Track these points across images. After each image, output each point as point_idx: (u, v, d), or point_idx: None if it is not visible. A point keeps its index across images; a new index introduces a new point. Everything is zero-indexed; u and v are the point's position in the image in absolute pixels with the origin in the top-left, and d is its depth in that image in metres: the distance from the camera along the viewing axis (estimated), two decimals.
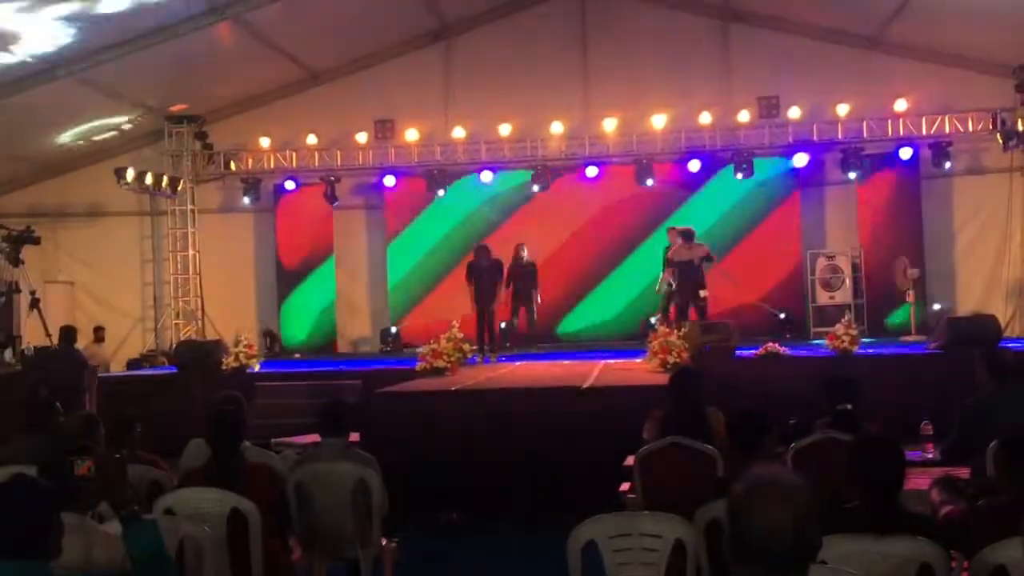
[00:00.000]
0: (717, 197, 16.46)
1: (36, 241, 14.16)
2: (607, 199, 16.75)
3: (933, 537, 3.69)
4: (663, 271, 14.48)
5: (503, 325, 15.32)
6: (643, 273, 16.07)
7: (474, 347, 13.02)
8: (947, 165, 15.53)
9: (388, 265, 17.30)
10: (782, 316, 15.80)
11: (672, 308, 14.16)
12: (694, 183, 16.49)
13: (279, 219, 17.39)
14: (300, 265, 17.28)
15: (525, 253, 14.70)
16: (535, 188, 16.42)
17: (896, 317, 15.44)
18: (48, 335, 12.93)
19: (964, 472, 5.39)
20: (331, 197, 16.83)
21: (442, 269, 16.78)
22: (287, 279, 17.29)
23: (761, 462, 4.65)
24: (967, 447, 5.69)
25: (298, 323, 17.26)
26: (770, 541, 2.24)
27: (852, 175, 15.89)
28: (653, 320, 14.33)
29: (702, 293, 14.00)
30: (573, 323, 16.84)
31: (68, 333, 11.87)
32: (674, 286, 14.08)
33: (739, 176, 15.84)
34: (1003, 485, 4.07)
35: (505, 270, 14.20)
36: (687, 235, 14.12)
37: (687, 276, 13.90)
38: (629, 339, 15.27)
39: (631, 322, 16.10)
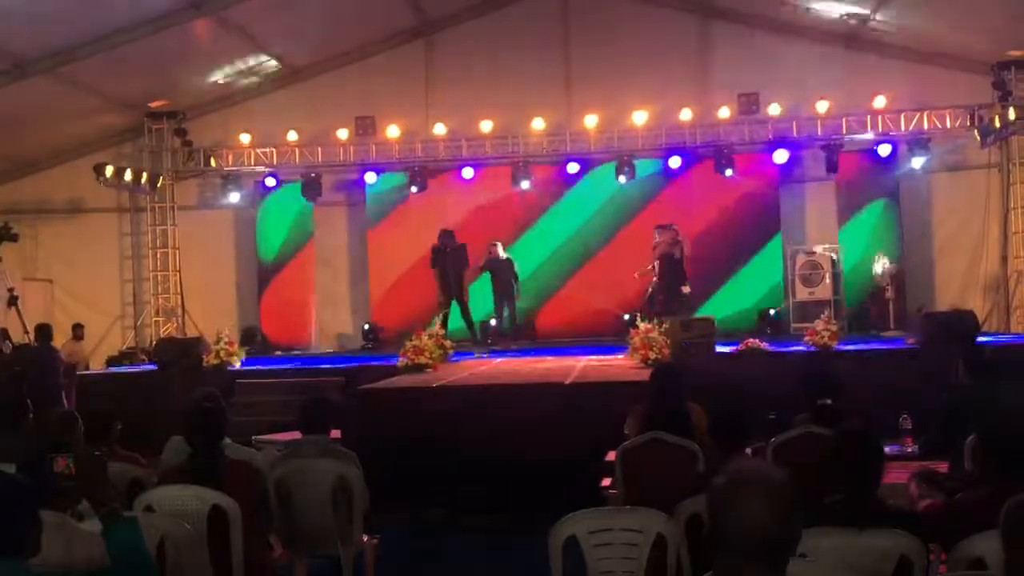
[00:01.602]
0: (695, 192, 16.48)
1: (14, 238, 14.04)
2: (586, 193, 16.74)
3: (912, 530, 3.72)
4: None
5: (493, 323, 15.39)
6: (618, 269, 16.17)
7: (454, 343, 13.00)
8: (925, 161, 15.62)
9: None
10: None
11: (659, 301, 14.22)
12: (672, 178, 16.49)
13: (260, 216, 17.38)
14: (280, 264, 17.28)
15: (500, 249, 14.74)
16: (524, 185, 16.40)
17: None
18: (27, 332, 12.84)
19: (942, 466, 5.44)
20: (312, 194, 16.80)
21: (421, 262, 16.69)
22: (267, 276, 17.28)
23: (741, 457, 4.69)
24: (945, 441, 5.73)
25: (279, 319, 17.22)
26: (750, 535, 2.25)
27: (831, 171, 15.96)
28: (628, 316, 14.32)
29: (685, 289, 14.03)
30: (550, 317, 16.79)
31: (44, 331, 11.79)
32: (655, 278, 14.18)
33: (728, 172, 15.85)
34: (980, 478, 4.10)
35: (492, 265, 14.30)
36: (669, 227, 14.17)
37: (669, 270, 13.92)
38: (608, 335, 15.40)
39: (609, 319, 16.13)
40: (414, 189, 16.61)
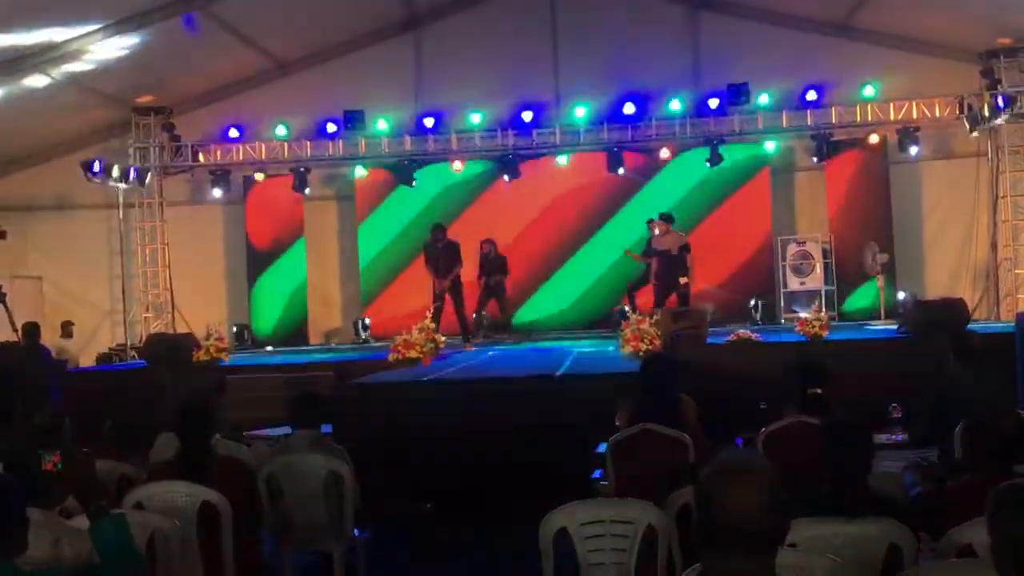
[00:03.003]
0: (683, 180, 16.48)
1: (2, 235, 14.00)
2: (575, 185, 16.76)
3: (901, 518, 3.72)
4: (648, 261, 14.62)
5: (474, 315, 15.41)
6: (605, 259, 16.26)
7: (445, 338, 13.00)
8: (915, 150, 15.63)
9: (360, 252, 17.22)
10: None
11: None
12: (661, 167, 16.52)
13: (249, 211, 17.29)
14: (270, 257, 17.21)
15: (492, 247, 14.77)
16: (505, 177, 16.39)
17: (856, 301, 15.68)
18: (15, 330, 12.79)
19: (932, 454, 5.45)
20: (300, 188, 16.75)
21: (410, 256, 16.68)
22: (257, 271, 17.23)
23: (731, 448, 4.69)
24: (935, 429, 5.74)
25: (269, 315, 17.17)
26: (738, 525, 2.25)
27: (821, 161, 15.98)
28: (626, 308, 14.38)
29: (682, 280, 14.06)
30: (534, 311, 16.75)
31: (32, 329, 11.74)
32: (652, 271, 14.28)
33: (708, 163, 15.85)
34: (969, 466, 4.11)
35: (476, 260, 14.31)
36: (668, 219, 14.19)
37: (667, 265, 13.95)
38: (592, 326, 15.42)
39: (592, 309, 16.15)
40: (413, 183, 16.56)
